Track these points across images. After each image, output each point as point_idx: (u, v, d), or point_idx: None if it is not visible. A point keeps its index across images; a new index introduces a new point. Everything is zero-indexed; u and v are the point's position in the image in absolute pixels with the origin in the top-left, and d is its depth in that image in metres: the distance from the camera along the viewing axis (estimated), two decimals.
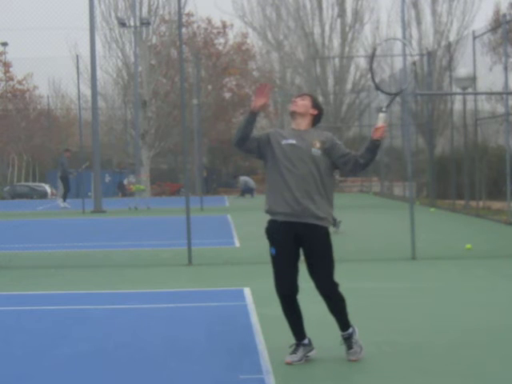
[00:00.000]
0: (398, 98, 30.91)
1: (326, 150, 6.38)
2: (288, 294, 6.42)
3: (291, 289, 6.41)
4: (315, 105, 6.56)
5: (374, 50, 7.12)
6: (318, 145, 6.36)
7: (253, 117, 6.38)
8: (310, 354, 6.47)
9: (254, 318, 8.10)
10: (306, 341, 6.49)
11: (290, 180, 6.33)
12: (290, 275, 6.40)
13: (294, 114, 6.53)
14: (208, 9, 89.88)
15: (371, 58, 6.94)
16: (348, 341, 6.49)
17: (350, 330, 6.51)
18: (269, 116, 51.23)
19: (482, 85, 23.68)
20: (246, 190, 37.22)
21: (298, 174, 6.32)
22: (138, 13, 39.74)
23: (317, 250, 6.37)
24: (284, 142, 6.40)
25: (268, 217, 6.53)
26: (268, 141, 6.46)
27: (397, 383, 5.92)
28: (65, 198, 29.45)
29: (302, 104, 6.52)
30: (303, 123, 6.51)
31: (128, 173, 40.58)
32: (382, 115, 6.28)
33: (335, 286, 6.45)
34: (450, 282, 10.76)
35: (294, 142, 6.38)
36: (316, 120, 6.58)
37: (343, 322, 6.52)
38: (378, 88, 6.58)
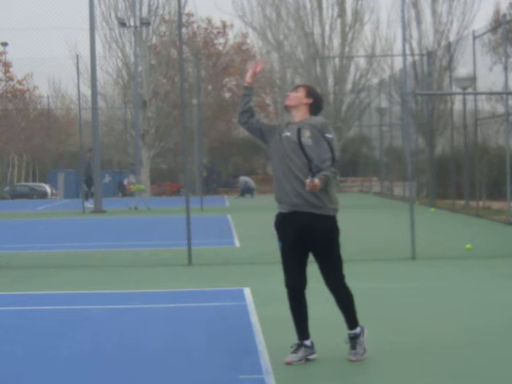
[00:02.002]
0: (397, 98, 30.97)
1: (316, 137, 6.29)
2: (295, 285, 6.44)
3: (298, 281, 6.44)
4: (310, 94, 6.53)
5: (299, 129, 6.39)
6: (307, 133, 6.33)
7: (246, 90, 6.63)
8: (310, 357, 6.45)
9: (254, 318, 8.10)
10: (308, 342, 6.47)
11: (288, 172, 6.38)
12: (296, 267, 6.43)
13: (287, 108, 6.58)
14: (208, 9, 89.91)
15: (298, 134, 6.29)
16: (353, 340, 6.48)
17: (358, 330, 6.49)
18: (269, 116, 51.19)
19: (482, 85, 23.66)
20: (246, 190, 37.21)
21: (293, 166, 6.36)
22: (138, 13, 39.75)
23: (320, 240, 6.40)
24: (283, 134, 6.48)
25: (274, 213, 6.57)
26: (273, 131, 6.52)
27: (397, 383, 5.92)
28: (87, 197, 29.42)
29: (294, 96, 6.53)
30: (297, 115, 6.52)
31: (128, 173, 40.58)
32: (309, 178, 6.18)
33: (341, 278, 6.48)
34: (450, 281, 10.76)
35: (288, 134, 6.44)
36: (314, 109, 6.53)
37: (350, 320, 6.51)
38: (307, 158, 6.21)
